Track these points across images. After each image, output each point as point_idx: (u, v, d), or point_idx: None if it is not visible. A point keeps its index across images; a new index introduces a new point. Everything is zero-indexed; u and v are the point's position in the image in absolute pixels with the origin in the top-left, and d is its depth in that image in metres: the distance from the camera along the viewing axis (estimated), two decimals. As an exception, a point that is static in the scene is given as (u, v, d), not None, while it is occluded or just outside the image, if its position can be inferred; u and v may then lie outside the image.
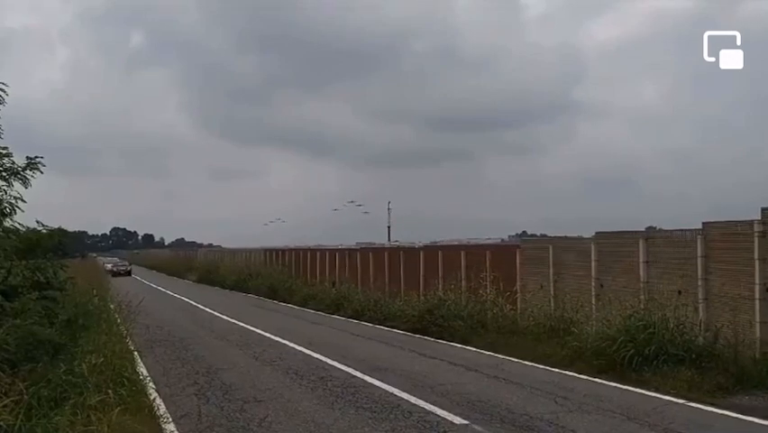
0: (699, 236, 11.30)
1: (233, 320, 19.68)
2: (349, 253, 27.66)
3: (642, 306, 11.18)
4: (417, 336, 15.53)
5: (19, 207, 8.48)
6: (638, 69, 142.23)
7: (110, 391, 6.88)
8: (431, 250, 21.69)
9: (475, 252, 18.77)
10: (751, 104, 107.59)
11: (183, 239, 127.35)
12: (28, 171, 8.59)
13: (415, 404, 8.51)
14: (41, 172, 8.70)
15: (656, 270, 12.18)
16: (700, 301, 11.06)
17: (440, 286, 17.57)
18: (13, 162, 8.49)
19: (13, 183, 8.48)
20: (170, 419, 7.66)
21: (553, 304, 14.28)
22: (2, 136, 8.36)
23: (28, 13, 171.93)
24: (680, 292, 11.24)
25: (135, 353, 11.19)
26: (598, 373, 10.35)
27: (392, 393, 9.19)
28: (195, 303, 26.73)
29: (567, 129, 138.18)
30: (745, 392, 9.00)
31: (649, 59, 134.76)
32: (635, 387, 9.47)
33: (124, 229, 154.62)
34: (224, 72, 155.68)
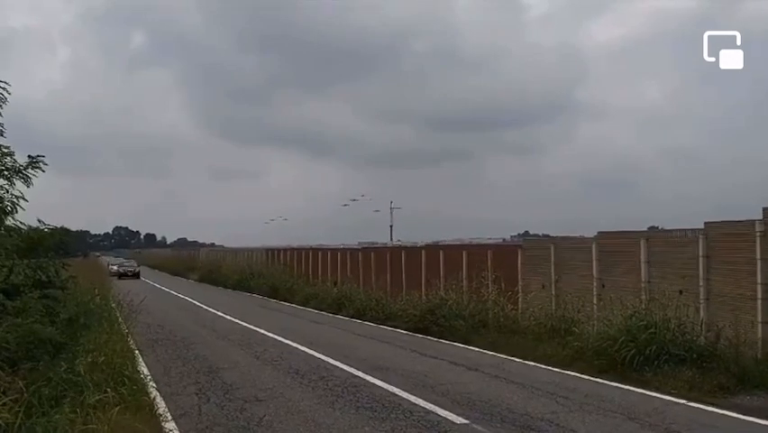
0: (700, 236, 11.28)
1: (235, 319, 19.70)
2: (351, 252, 27.65)
3: (643, 306, 11.17)
4: (419, 335, 15.53)
5: (21, 206, 8.49)
6: (639, 69, 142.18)
7: (110, 390, 6.88)
8: (433, 249, 21.66)
9: (477, 251, 18.74)
10: (751, 104, 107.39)
11: (185, 239, 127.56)
12: (30, 170, 8.60)
13: (415, 404, 8.50)
14: (43, 171, 8.70)
15: (658, 270, 12.16)
16: (702, 301, 11.04)
17: (441, 286, 17.57)
18: (15, 161, 8.49)
19: (15, 182, 8.49)
20: (170, 418, 7.66)
21: (554, 304, 14.27)
22: (4, 135, 8.37)
23: (29, 13, 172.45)
24: (681, 292, 11.22)
25: (136, 351, 11.20)
26: (599, 373, 10.33)
27: (393, 393, 9.18)
28: (196, 302, 26.76)
29: (568, 129, 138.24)
30: (747, 393, 8.98)
31: (649, 60, 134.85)
32: (636, 387, 9.46)
33: (126, 228, 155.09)
34: (225, 72, 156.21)
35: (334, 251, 29.30)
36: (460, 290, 16.65)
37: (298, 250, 34.24)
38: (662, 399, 8.78)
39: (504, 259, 16.83)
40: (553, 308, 14.05)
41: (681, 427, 7.38)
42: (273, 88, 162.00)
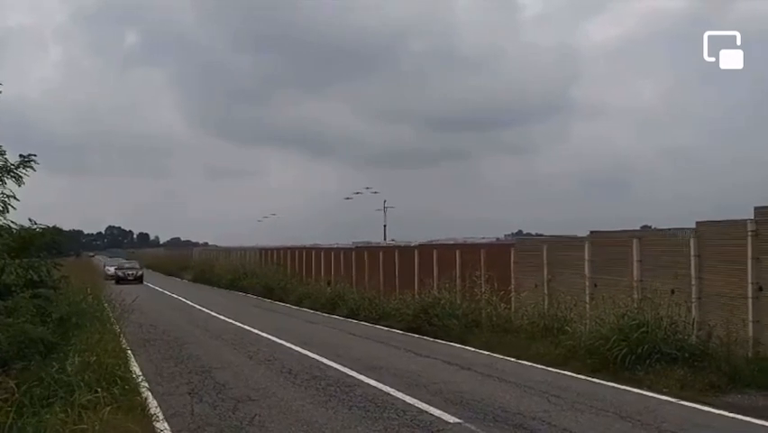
0: (692, 236, 11.33)
1: (228, 319, 19.66)
2: (344, 252, 27.64)
3: (635, 305, 11.19)
4: (413, 335, 15.55)
5: (12, 206, 8.47)
6: (636, 68, 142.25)
7: (102, 390, 6.85)
8: (426, 249, 21.65)
9: (470, 251, 18.74)
10: (751, 104, 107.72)
11: (178, 238, 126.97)
12: (21, 169, 8.57)
13: (409, 403, 8.51)
14: (35, 170, 8.69)
15: (650, 269, 12.20)
16: (694, 300, 11.08)
17: (435, 285, 17.58)
18: (6, 160, 8.46)
19: (6, 181, 8.45)
20: (162, 418, 7.63)
21: (547, 303, 14.29)
22: (-4, 135, 8.34)
23: (25, 12, 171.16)
24: (673, 291, 11.26)
25: (129, 351, 11.17)
26: (591, 372, 10.37)
27: (386, 392, 9.19)
28: (190, 302, 26.70)
29: (564, 129, 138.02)
30: (738, 391, 9.02)
31: (646, 59, 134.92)
32: (629, 386, 9.49)
33: (119, 228, 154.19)
34: (223, 72, 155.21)
35: (328, 250, 29.29)
36: (453, 290, 16.68)
37: (292, 249, 34.17)
38: (654, 397, 8.82)
39: (497, 258, 16.86)
40: (546, 307, 14.07)
41: (673, 425, 7.41)
42: (273, 88, 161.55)
